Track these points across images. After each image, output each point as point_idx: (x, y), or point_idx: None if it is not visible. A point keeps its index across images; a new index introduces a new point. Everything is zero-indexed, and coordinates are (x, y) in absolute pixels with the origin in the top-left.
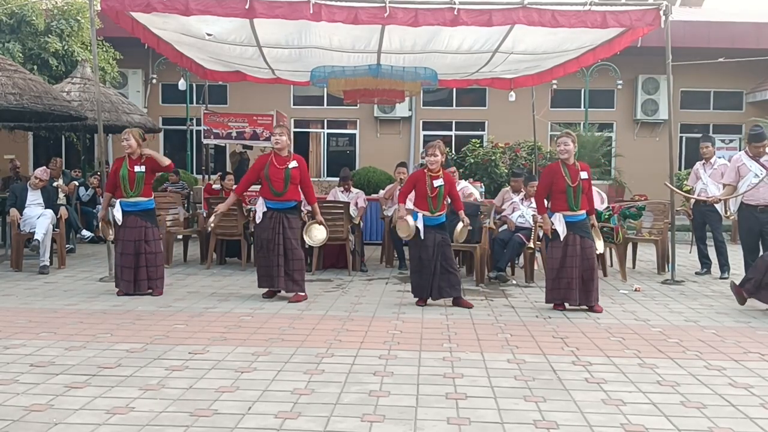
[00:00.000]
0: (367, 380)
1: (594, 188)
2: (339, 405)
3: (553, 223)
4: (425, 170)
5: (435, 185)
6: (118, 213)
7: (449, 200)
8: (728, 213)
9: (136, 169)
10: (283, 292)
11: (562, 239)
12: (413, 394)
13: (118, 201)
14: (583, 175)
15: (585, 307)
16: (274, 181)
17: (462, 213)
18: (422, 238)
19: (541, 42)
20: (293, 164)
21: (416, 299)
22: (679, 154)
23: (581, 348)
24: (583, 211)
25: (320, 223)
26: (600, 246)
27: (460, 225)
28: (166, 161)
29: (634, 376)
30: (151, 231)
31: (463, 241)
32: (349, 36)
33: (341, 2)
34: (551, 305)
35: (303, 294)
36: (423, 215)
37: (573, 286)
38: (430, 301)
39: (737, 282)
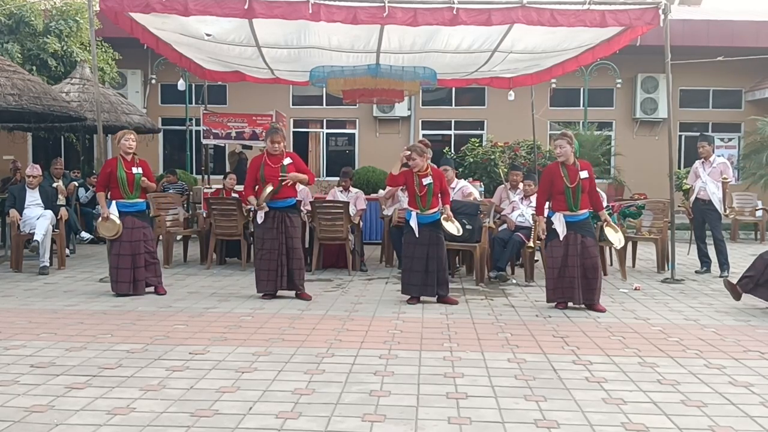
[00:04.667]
0: (368, 380)
1: None
2: (340, 405)
3: (552, 224)
4: (412, 170)
5: (424, 183)
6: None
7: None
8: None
9: (134, 170)
10: (285, 291)
11: (561, 239)
12: (414, 394)
13: (113, 202)
14: (583, 174)
15: (586, 305)
16: (270, 181)
17: (447, 207)
18: (417, 236)
19: (540, 41)
20: (287, 161)
21: (407, 298)
22: (678, 152)
23: (581, 347)
24: (584, 211)
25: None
26: (617, 240)
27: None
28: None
29: (635, 375)
30: (148, 231)
31: (462, 240)
32: (348, 36)
33: (340, 2)
34: (552, 304)
35: (301, 291)
36: (416, 213)
37: (575, 285)
38: (423, 298)
39: (733, 281)
